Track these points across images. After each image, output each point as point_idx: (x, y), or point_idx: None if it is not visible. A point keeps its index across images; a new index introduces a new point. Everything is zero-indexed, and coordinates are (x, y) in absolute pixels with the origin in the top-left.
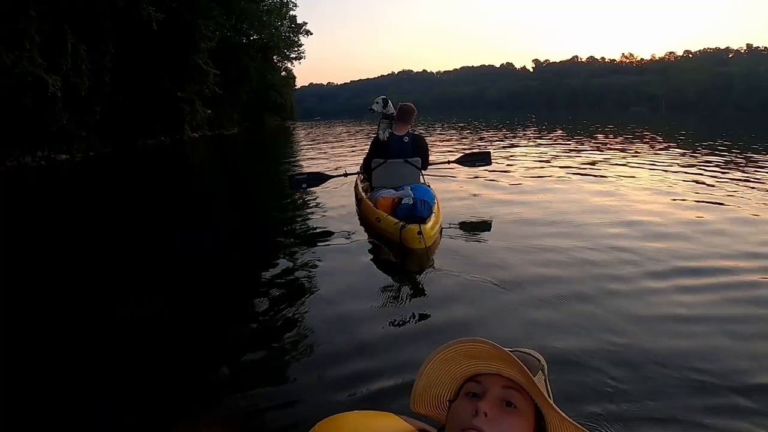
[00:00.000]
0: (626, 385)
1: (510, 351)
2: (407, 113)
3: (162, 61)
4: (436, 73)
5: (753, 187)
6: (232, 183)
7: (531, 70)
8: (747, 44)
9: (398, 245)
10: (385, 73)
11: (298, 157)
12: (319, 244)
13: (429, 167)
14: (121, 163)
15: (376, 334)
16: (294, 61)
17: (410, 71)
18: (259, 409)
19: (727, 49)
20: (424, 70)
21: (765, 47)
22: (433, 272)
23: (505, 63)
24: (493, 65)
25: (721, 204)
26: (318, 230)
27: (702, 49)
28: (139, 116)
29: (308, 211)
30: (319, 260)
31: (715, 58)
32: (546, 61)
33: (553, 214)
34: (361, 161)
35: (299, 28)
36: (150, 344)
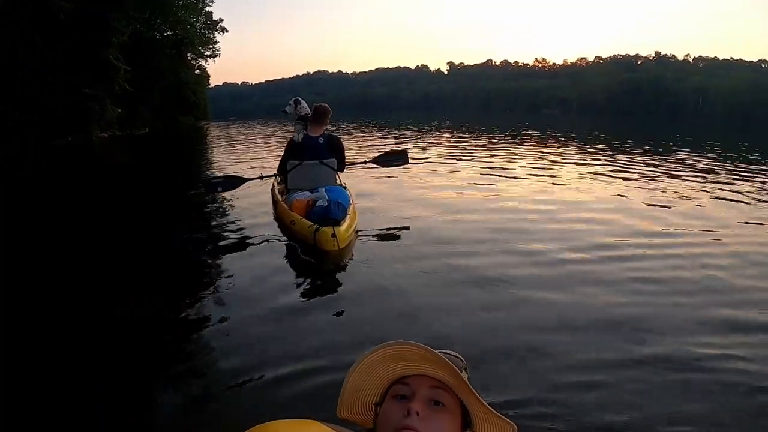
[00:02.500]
0: (535, 373)
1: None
2: (322, 114)
3: (69, 55)
4: (352, 73)
5: (642, 182)
6: (144, 186)
7: (446, 72)
8: (655, 52)
9: (313, 248)
10: (301, 73)
11: (214, 159)
12: (233, 248)
13: (346, 168)
14: (26, 166)
15: (291, 339)
16: (209, 59)
17: (326, 71)
18: (171, 422)
19: (637, 56)
20: (339, 71)
21: (672, 55)
22: (348, 274)
23: (420, 65)
24: (408, 67)
25: (623, 195)
26: (233, 234)
27: (612, 55)
28: (42, 115)
29: (224, 215)
30: (233, 265)
31: (624, 64)
32: (461, 63)
33: (468, 214)
34: (278, 163)
35: (215, 25)
36: (60, 352)
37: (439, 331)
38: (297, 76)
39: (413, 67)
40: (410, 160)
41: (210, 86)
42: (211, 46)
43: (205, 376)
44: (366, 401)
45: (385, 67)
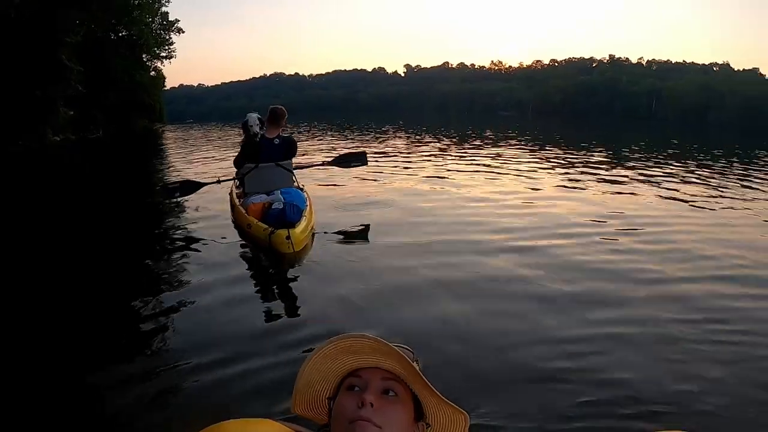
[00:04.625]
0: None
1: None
2: (278, 116)
3: (20, 55)
4: (308, 76)
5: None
6: (100, 192)
7: (403, 74)
8: (610, 55)
9: (269, 251)
10: (257, 75)
11: (172, 164)
12: (190, 253)
13: (304, 170)
14: None
15: (246, 339)
16: (164, 60)
17: (282, 74)
18: (124, 422)
19: (591, 59)
20: (296, 73)
21: (626, 58)
22: (304, 276)
23: (377, 67)
24: (365, 69)
25: (576, 189)
26: (190, 240)
27: (568, 58)
28: None
29: (182, 220)
30: (189, 270)
31: (579, 67)
32: (418, 66)
33: (426, 215)
34: (236, 165)
35: (171, 26)
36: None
37: (392, 327)
38: (253, 78)
39: (370, 70)
40: (368, 162)
41: (166, 88)
42: (167, 47)
43: (159, 376)
44: (320, 396)
45: (342, 69)
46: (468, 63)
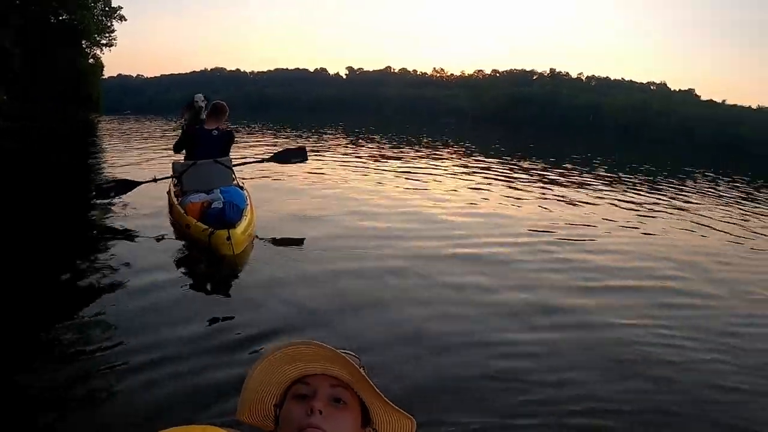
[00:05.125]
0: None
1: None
2: (219, 110)
3: None
4: (250, 72)
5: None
6: (31, 188)
7: (344, 76)
8: (551, 68)
9: (209, 252)
10: (198, 69)
11: (108, 158)
12: (126, 255)
13: (243, 166)
14: None
15: (187, 344)
16: (104, 47)
17: (223, 69)
18: (56, 427)
19: (533, 72)
20: (237, 69)
21: (567, 72)
22: (245, 278)
23: (319, 68)
24: (307, 69)
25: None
26: (127, 241)
27: (509, 69)
28: None
29: (118, 221)
30: (125, 272)
31: (520, 79)
32: (360, 69)
33: (367, 217)
34: (171, 165)
35: (113, 13)
36: None
37: (335, 332)
38: (194, 71)
39: (312, 70)
40: (309, 158)
41: (104, 77)
42: (107, 35)
43: (89, 380)
44: (266, 403)
45: (284, 68)
46: (410, 69)
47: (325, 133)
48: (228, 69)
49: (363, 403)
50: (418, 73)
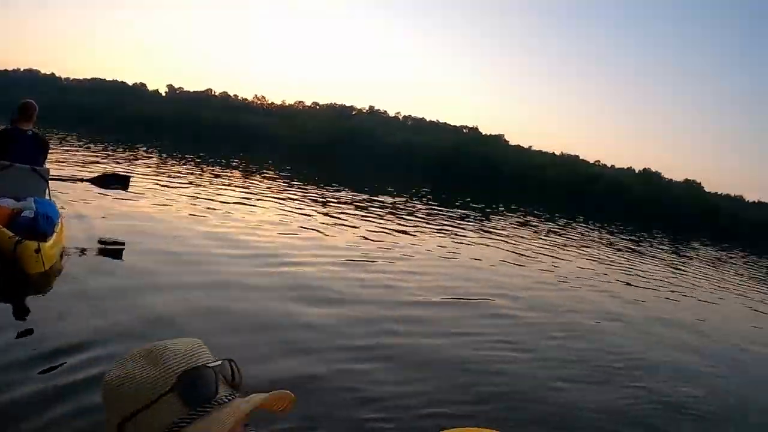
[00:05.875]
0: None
1: None
2: (30, 109)
3: None
4: (65, 79)
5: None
6: None
7: (164, 94)
8: (369, 105)
9: (13, 263)
10: (9, 68)
11: None
12: None
13: (58, 183)
14: None
15: None
16: None
17: (37, 71)
18: None
19: (352, 107)
20: (52, 73)
21: (385, 110)
22: (51, 297)
23: (138, 82)
24: (125, 82)
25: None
26: None
27: (330, 103)
28: None
29: None
30: None
31: (340, 113)
32: (180, 88)
33: (183, 240)
34: None
35: None
36: None
37: (140, 344)
38: (6, 70)
39: (131, 84)
40: (129, 187)
41: None
42: None
43: None
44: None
45: (102, 78)
46: (231, 93)
47: (143, 152)
48: (42, 72)
49: None
50: (239, 98)
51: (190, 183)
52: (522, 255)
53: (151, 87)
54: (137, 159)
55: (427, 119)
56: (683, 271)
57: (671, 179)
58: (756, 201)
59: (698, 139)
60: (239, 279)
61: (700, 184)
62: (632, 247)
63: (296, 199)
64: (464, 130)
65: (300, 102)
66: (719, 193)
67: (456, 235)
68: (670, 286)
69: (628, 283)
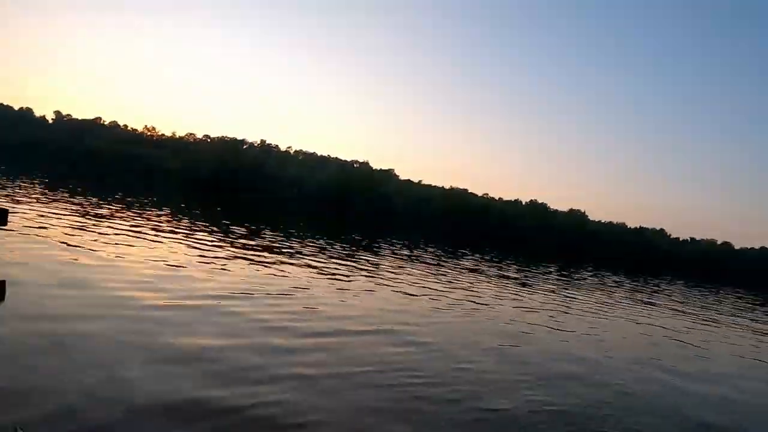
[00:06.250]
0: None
1: None
2: None
3: None
4: None
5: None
6: None
7: (51, 121)
8: (261, 140)
9: None
10: None
11: None
12: None
13: None
14: None
15: None
16: None
17: None
18: None
19: (244, 141)
20: None
21: (276, 145)
22: None
23: (25, 107)
24: (11, 107)
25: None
26: None
27: (221, 136)
28: None
29: None
30: None
31: (231, 146)
32: (68, 115)
33: (71, 276)
34: None
35: None
36: None
37: (22, 392)
38: None
39: (17, 108)
40: (8, 222)
41: None
42: None
43: None
44: None
45: None
46: (122, 123)
47: (23, 182)
48: None
49: None
50: (129, 128)
51: (74, 215)
52: (414, 285)
53: (38, 113)
54: (19, 189)
55: (319, 153)
56: (567, 292)
57: (557, 209)
58: (637, 227)
59: (582, 171)
60: (124, 311)
61: (584, 212)
62: (519, 273)
63: (184, 233)
64: (355, 165)
65: (191, 134)
66: (602, 221)
67: (350, 267)
68: (554, 304)
69: (518, 306)
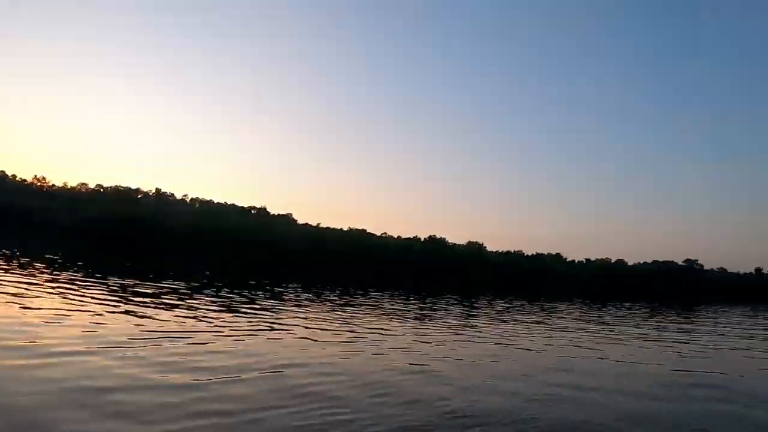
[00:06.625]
0: None
1: None
2: None
3: None
4: None
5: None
6: None
7: None
8: (156, 188)
9: None
10: None
11: None
12: None
13: None
14: None
15: None
16: None
17: None
18: None
19: (138, 190)
20: None
21: (172, 193)
22: None
23: None
24: None
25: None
26: None
27: (115, 185)
28: None
29: None
30: None
31: (125, 196)
32: None
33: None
34: None
35: None
36: None
37: None
38: None
39: None
40: None
41: None
42: None
43: None
44: None
45: None
46: (9, 173)
47: None
48: None
49: None
50: (17, 178)
51: None
52: (317, 328)
53: None
54: None
55: (216, 201)
56: (471, 321)
57: (455, 243)
58: (534, 253)
59: (477, 206)
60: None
61: (482, 244)
62: (421, 306)
63: (75, 287)
64: (252, 211)
65: (83, 184)
66: (500, 251)
67: (250, 313)
68: (459, 335)
69: (418, 341)
